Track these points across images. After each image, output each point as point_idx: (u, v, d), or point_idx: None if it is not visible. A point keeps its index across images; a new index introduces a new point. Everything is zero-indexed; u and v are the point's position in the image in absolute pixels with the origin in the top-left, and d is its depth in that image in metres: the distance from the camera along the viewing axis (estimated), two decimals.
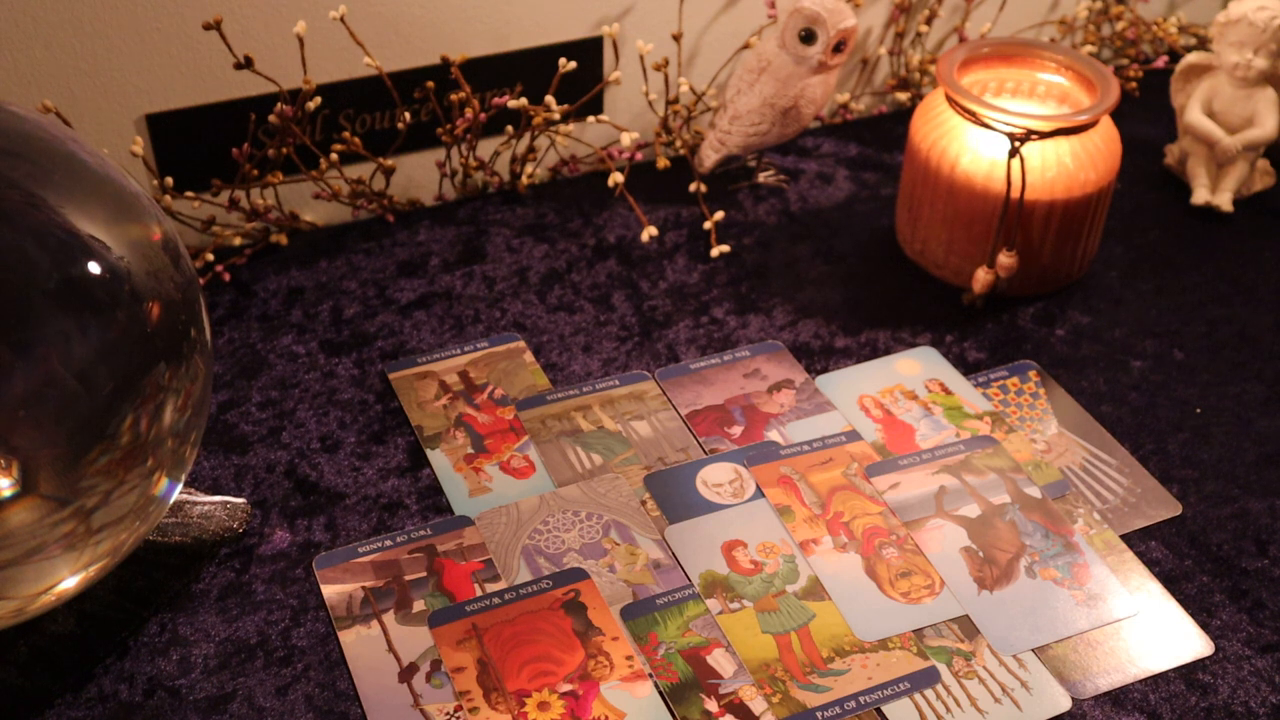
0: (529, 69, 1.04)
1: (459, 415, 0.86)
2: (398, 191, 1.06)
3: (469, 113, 1.00)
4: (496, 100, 1.02)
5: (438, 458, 0.83)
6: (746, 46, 1.09)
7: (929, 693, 0.70)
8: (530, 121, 1.03)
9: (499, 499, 0.81)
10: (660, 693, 0.70)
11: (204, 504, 0.78)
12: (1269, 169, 1.10)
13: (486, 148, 1.07)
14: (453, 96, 1.01)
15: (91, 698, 0.70)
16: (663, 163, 1.08)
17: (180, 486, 0.69)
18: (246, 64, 0.92)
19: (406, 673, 0.71)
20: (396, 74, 1.00)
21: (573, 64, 1.01)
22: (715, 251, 1.01)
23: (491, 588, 0.75)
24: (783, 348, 0.92)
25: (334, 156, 0.99)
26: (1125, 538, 0.79)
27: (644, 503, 0.81)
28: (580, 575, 0.76)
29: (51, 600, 0.66)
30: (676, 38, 1.07)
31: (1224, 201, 1.06)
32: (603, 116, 1.07)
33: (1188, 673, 0.72)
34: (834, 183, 1.10)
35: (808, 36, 0.98)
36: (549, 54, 1.04)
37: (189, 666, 0.71)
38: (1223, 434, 0.87)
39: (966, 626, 0.74)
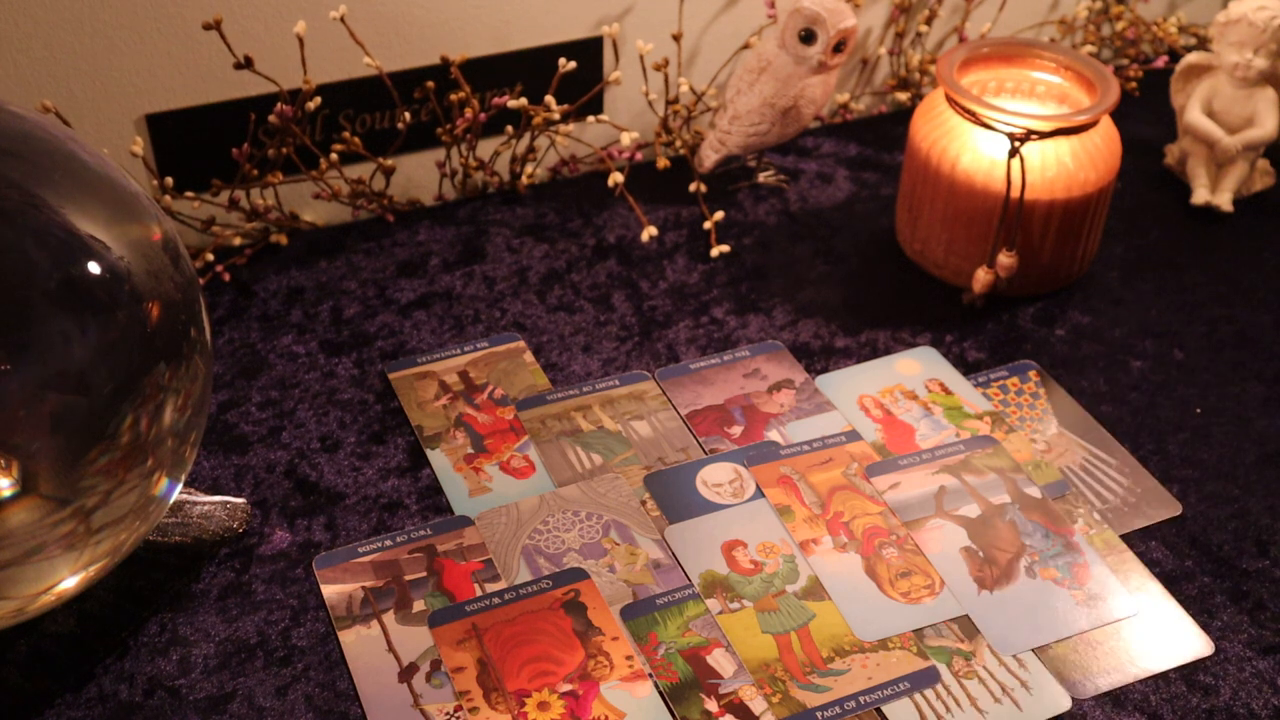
0: (529, 69, 1.04)
1: (459, 415, 0.86)
2: (398, 191, 1.06)
3: (469, 113, 1.00)
4: (496, 100, 1.02)
5: (438, 458, 0.83)
6: (746, 46, 1.09)
7: (929, 693, 0.70)
8: (530, 121, 1.03)
9: (499, 499, 0.81)
10: (660, 693, 0.70)
11: (204, 504, 0.78)
12: (1269, 169, 1.10)
13: (486, 148, 1.07)
14: (453, 96, 1.01)
15: (91, 698, 0.70)
16: (663, 163, 1.08)
17: (180, 486, 0.69)
18: (246, 64, 0.92)
19: (406, 673, 0.71)
20: (396, 74, 1.00)
21: (573, 64, 1.01)
22: (715, 251, 1.01)
23: (491, 588, 0.75)
24: (783, 348, 0.92)
25: (334, 156, 0.99)
26: (1125, 538, 0.79)
27: (644, 503, 0.81)
28: (580, 575, 0.76)
29: (51, 600, 0.66)
30: (676, 38, 1.07)
31: (1224, 201, 1.06)
32: (603, 116, 1.07)
33: (1188, 673, 0.72)
34: (834, 183, 1.10)
35: (808, 36, 0.98)
36: (549, 54, 1.04)
37: (189, 666, 0.71)
38: (1223, 434, 0.87)
39: (966, 626, 0.74)
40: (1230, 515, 0.81)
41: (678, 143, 1.11)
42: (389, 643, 0.72)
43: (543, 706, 0.69)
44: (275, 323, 0.94)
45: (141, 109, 0.95)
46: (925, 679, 0.71)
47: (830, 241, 1.03)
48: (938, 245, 0.97)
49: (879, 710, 0.70)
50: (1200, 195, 1.06)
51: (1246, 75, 1.03)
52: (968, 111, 0.93)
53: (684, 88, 1.08)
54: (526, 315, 0.95)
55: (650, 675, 0.71)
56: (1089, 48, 1.24)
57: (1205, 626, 0.74)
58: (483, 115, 1.01)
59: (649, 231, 1.01)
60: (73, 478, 0.62)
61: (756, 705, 0.69)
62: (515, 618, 0.73)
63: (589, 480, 0.82)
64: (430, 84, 1.00)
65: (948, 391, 0.89)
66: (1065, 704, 0.70)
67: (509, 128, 1.05)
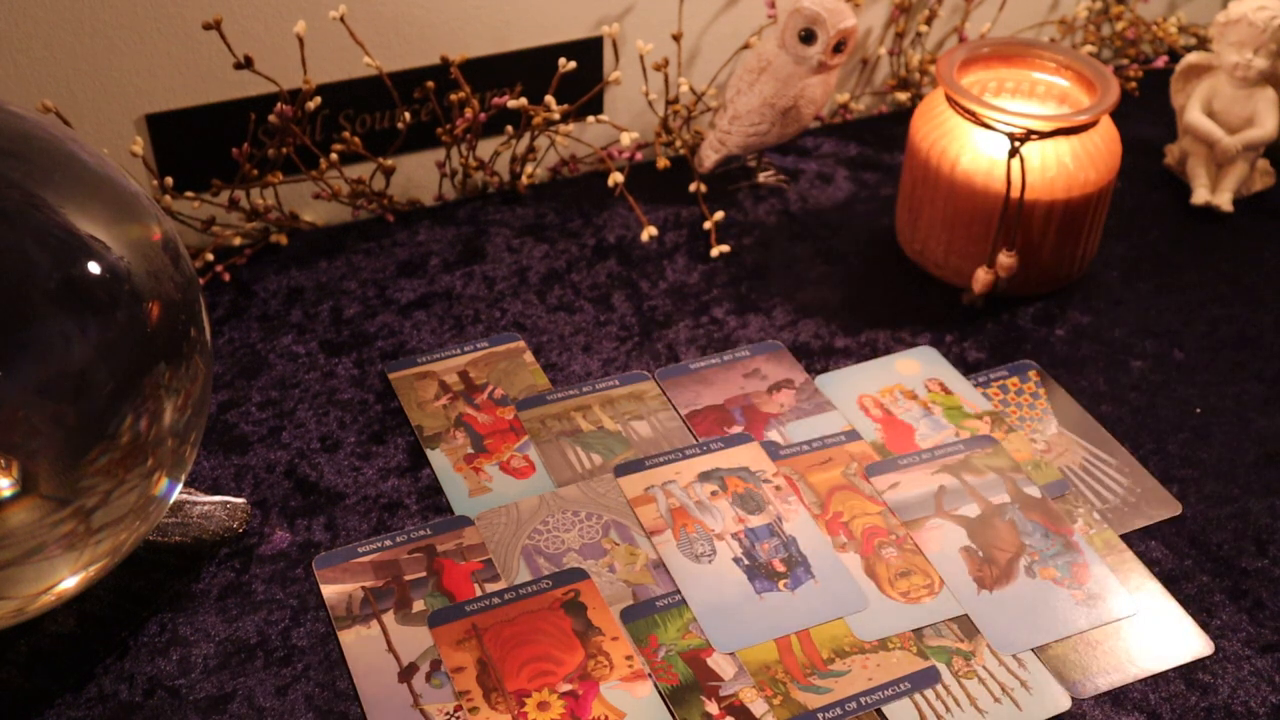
0: (529, 69, 1.04)
1: (459, 415, 0.86)
2: (398, 191, 1.06)
3: (469, 113, 1.00)
4: (496, 100, 1.02)
5: (438, 458, 0.83)
6: (746, 46, 1.09)
7: (929, 693, 0.70)
8: (530, 121, 1.03)
9: (499, 499, 0.81)
10: (661, 695, 0.70)
11: (204, 504, 0.78)
12: (1269, 169, 1.10)
13: (486, 148, 1.07)
14: (453, 96, 1.01)
15: (91, 698, 0.70)
16: (663, 163, 1.08)
17: (180, 486, 0.69)
18: (246, 64, 0.92)
19: (406, 673, 0.71)
20: (396, 74, 1.00)
21: (573, 64, 1.01)
22: (715, 251, 1.01)
23: (491, 588, 0.75)
24: (783, 348, 0.92)
25: (334, 156, 0.99)
26: (1125, 537, 0.79)
27: None
28: (580, 575, 0.76)
29: (51, 600, 0.66)
30: (676, 38, 1.07)
31: (1224, 201, 1.06)
32: (603, 116, 1.07)
33: (1188, 672, 0.72)
34: (834, 183, 1.10)
35: (808, 36, 0.98)
36: (549, 54, 1.04)
37: (189, 666, 0.71)
38: (1223, 434, 0.87)
39: (966, 626, 0.74)
40: (1230, 515, 0.81)
41: (678, 143, 1.11)
42: (389, 643, 0.72)
43: (543, 706, 0.69)
44: (275, 323, 0.94)
45: (141, 109, 0.95)
46: (925, 679, 0.71)
47: (830, 241, 1.04)
48: (938, 245, 0.97)
49: (879, 711, 0.70)
50: (1200, 195, 1.06)
51: (1246, 75, 1.03)
52: (968, 111, 0.93)
53: (684, 88, 1.08)
54: (526, 315, 0.95)
55: (650, 677, 0.71)
56: (1089, 48, 1.24)
57: (1204, 626, 0.74)
58: (483, 115, 1.01)
59: (649, 231, 1.01)
60: (73, 478, 0.62)
61: (757, 707, 0.69)
62: (515, 618, 0.73)
63: (589, 480, 0.82)
64: (430, 84, 1.00)
65: (947, 391, 0.89)
66: (1065, 704, 0.70)
67: (509, 128, 1.05)
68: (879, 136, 1.16)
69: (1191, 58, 1.07)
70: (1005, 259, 0.93)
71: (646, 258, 1.01)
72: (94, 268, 0.62)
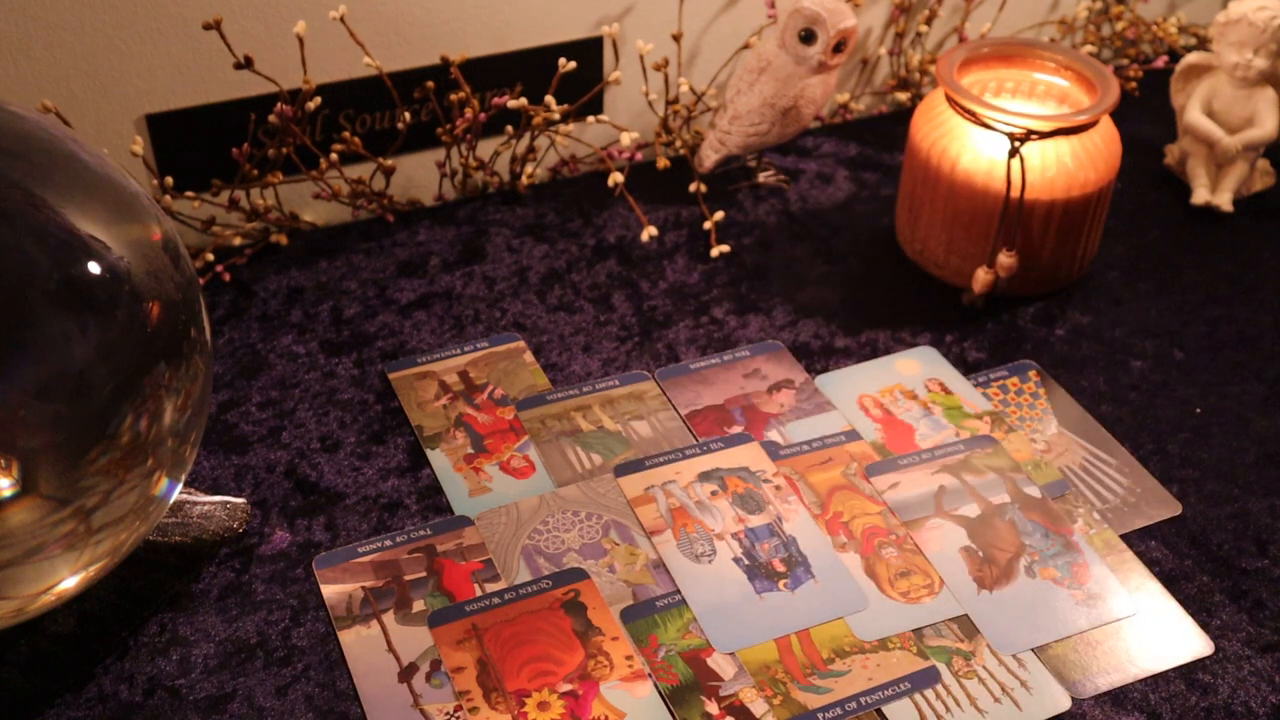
0: (529, 69, 1.04)
1: (459, 415, 0.86)
2: (398, 191, 1.06)
3: (469, 113, 1.00)
4: (496, 100, 1.02)
5: (438, 458, 0.83)
6: (746, 46, 1.09)
7: (929, 693, 0.70)
8: (530, 121, 1.03)
9: (499, 499, 0.81)
10: (661, 695, 0.70)
11: (204, 504, 0.78)
12: (1269, 169, 1.10)
13: (486, 148, 1.07)
14: (453, 96, 1.01)
15: (91, 698, 0.70)
16: (663, 163, 1.08)
17: (180, 486, 0.69)
18: (246, 64, 0.92)
19: (406, 673, 0.71)
20: (396, 74, 1.00)
21: (573, 64, 1.01)
22: (715, 251, 1.01)
23: (491, 588, 0.75)
24: (783, 348, 0.92)
25: (334, 156, 0.99)
26: (1125, 537, 0.79)
27: None
28: (580, 575, 0.76)
29: (51, 600, 0.66)
30: (676, 38, 1.07)
31: (1224, 201, 1.06)
32: (603, 116, 1.07)
33: (1188, 672, 0.72)
34: (834, 183, 1.10)
35: (808, 36, 0.98)
36: (549, 54, 1.04)
37: (189, 666, 0.71)
38: (1223, 434, 0.87)
39: (966, 626, 0.74)
40: (1230, 515, 0.81)
41: (678, 143, 1.11)
42: (389, 643, 0.72)
43: (543, 706, 0.69)
44: (275, 323, 0.94)
45: (141, 109, 0.95)
46: (925, 679, 0.71)
47: (830, 241, 1.04)
48: (938, 245, 0.97)
49: (879, 711, 0.70)
50: (1200, 195, 1.06)
51: (1246, 75, 1.03)
52: (968, 111, 0.93)
53: (684, 88, 1.08)
54: (526, 315, 0.95)
55: (650, 677, 0.71)
56: (1089, 48, 1.24)
57: (1204, 626, 0.74)
58: (483, 115, 1.01)
59: (649, 231, 1.01)
60: (73, 478, 0.62)
61: (757, 707, 0.69)
62: (515, 618, 0.73)
63: (589, 480, 0.82)
64: (430, 84, 1.00)
65: (947, 391, 0.89)
66: (1065, 704, 0.70)
67: (509, 128, 1.05)
68: (879, 136, 1.16)
69: (1191, 58, 1.07)
70: (1005, 259, 0.93)
71: (646, 258, 1.01)
72: (94, 268, 0.62)
